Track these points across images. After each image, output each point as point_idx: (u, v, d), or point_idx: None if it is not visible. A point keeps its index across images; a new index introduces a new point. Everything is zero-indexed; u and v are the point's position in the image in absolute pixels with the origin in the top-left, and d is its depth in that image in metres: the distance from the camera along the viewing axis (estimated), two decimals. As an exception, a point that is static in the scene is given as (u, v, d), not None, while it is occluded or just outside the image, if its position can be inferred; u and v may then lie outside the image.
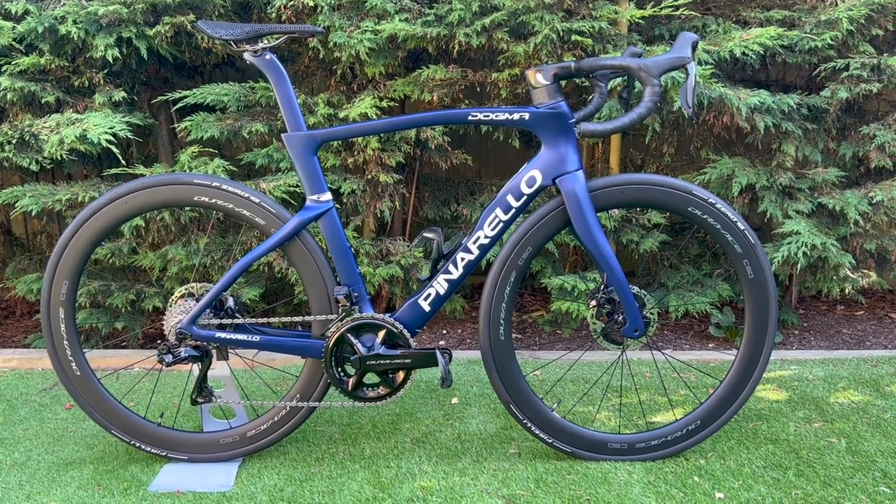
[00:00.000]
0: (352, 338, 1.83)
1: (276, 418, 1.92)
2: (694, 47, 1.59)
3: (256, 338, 1.85)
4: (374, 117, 2.58)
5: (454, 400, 2.34)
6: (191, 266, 2.74)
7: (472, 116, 1.78)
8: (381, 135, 2.67)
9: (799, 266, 2.64)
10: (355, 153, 2.72)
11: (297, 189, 2.61)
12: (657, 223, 2.88)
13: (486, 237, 1.82)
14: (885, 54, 2.60)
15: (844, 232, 2.76)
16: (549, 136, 1.78)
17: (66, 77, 2.66)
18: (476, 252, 1.83)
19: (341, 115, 2.63)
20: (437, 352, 1.81)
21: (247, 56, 1.76)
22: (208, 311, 1.86)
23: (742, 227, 1.84)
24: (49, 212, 2.75)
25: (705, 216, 1.83)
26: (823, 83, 2.71)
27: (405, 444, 2.04)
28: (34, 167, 2.57)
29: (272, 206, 1.82)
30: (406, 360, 1.84)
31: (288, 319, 1.88)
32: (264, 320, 1.96)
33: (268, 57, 1.76)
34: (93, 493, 1.81)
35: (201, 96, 2.61)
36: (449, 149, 2.83)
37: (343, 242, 1.84)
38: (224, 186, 1.81)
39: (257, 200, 1.82)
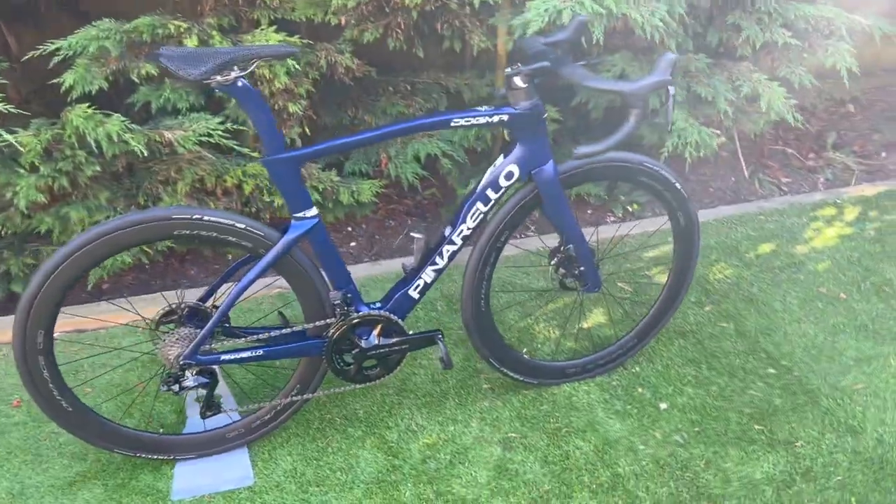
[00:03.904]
0: (351, 335, 1.94)
1: (277, 407, 2.04)
2: (673, 66, 1.69)
3: (260, 351, 1.90)
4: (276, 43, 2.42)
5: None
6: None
7: (455, 122, 1.79)
8: (292, 67, 2.51)
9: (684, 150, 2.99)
10: (260, 84, 2.55)
11: (215, 131, 2.46)
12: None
13: (468, 228, 1.93)
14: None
15: (711, 112, 3.11)
16: (525, 134, 1.85)
17: None
18: (459, 242, 1.95)
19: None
20: (438, 339, 1.99)
21: (215, 84, 1.60)
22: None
23: (678, 187, 2.09)
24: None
25: (652, 182, 2.06)
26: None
27: (391, 397, 2.25)
28: None
29: (259, 229, 1.78)
30: (404, 346, 2.00)
31: (289, 330, 1.92)
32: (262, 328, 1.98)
33: (240, 84, 1.61)
34: (121, 516, 1.88)
35: (79, 45, 2.26)
36: (355, 67, 2.72)
37: (332, 250, 1.87)
38: (205, 218, 1.73)
39: (242, 226, 1.76)
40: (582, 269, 2.09)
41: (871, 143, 4.10)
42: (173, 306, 1.88)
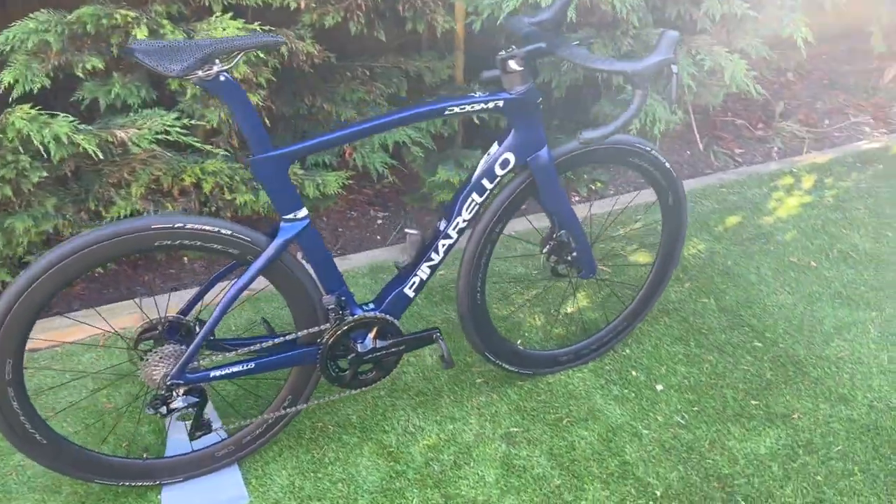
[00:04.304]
0: (346, 340, 1.83)
1: (269, 421, 1.92)
2: (676, 44, 1.64)
3: (251, 364, 1.77)
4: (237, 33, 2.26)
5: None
6: (42, 232, 2.35)
7: (450, 110, 1.70)
8: (252, 56, 2.35)
9: (652, 127, 2.98)
10: (217, 76, 2.38)
11: (173, 128, 2.29)
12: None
13: (464, 221, 1.85)
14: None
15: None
16: (521, 120, 1.78)
17: None
18: (455, 236, 1.86)
19: (199, 37, 2.24)
20: (436, 337, 1.91)
21: (196, 80, 1.46)
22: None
23: (668, 167, 2.06)
24: None
25: (643, 163, 2.02)
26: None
27: (384, 399, 2.16)
28: None
29: (246, 235, 1.65)
30: (401, 347, 1.90)
31: (281, 339, 1.80)
32: (252, 339, 1.85)
33: (223, 79, 1.48)
34: (109, 552, 1.74)
35: (17, 39, 2.05)
36: (316, 53, 2.58)
37: (324, 251, 1.76)
38: (188, 226, 1.59)
39: (228, 232, 1.63)
40: (575, 254, 2.04)
41: (814, 112, 4.20)
42: (154, 321, 1.73)
